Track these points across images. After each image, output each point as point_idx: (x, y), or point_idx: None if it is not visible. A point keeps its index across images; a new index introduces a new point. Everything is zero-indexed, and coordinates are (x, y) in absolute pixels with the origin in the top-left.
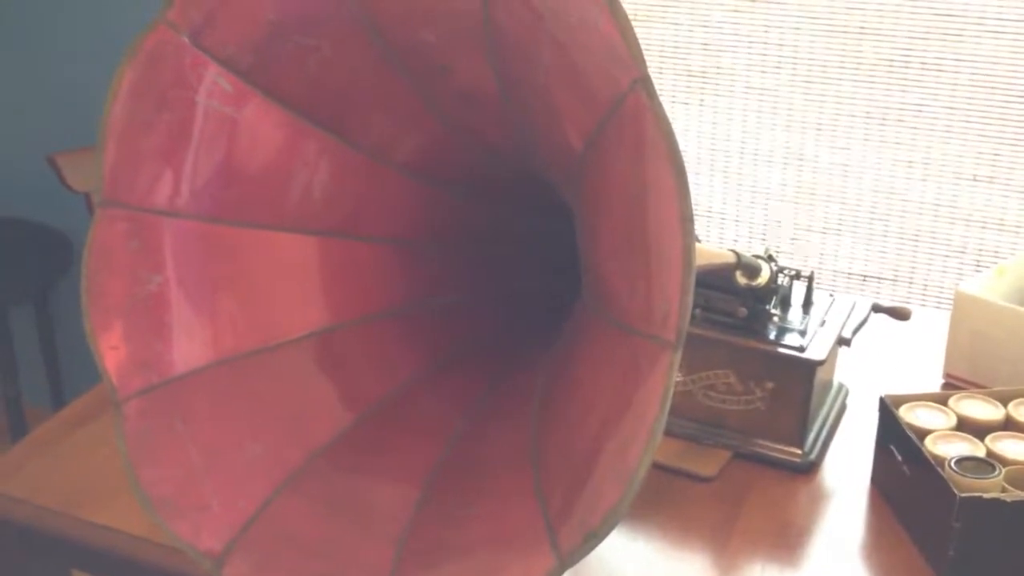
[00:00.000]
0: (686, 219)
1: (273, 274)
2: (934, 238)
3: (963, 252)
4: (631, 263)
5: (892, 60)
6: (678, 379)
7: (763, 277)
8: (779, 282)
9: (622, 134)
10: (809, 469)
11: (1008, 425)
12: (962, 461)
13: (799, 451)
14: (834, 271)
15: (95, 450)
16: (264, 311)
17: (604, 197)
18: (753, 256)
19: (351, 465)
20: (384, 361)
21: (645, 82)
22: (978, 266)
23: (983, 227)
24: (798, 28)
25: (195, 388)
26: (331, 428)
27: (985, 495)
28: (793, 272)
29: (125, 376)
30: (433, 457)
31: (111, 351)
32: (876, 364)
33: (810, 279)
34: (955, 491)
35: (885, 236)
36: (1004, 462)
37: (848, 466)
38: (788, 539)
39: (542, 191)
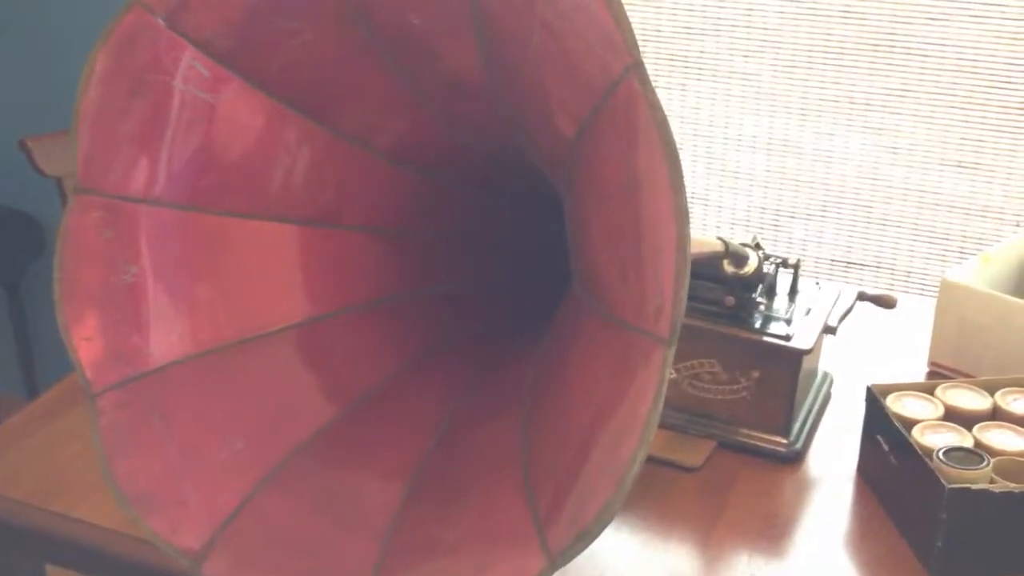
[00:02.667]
0: (680, 211)
1: (253, 264)
2: (917, 225)
3: (947, 239)
4: (622, 255)
5: (876, 45)
6: None
7: (751, 266)
8: (765, 270)
9: (614, 122)
10: (794, 459)
11: (995, 415)
12: (950, 452)
13: (784, 441)
14: (817, 258)
15: (70, 441)
16: (244, 302)
17: (595, 186)
18: (740, 244)
19: (335, 459)
20: (368, 353)
21: (638, 68)
22: (961, 253)
23: (967, 214)
24: (781, 12)
25: (173, 381)
26: (314, 422)
27: (973, 486)
28: (779, 260)
29: (100, 369)
30: (419, 451)
31: (85, 343)
32: (860, 352)
33: (796, 267)
34: (943, 482)
35: (868, 223)
36: (992, 452)
37: (833, 456)
38: (774, 529)
39: (531, 178)
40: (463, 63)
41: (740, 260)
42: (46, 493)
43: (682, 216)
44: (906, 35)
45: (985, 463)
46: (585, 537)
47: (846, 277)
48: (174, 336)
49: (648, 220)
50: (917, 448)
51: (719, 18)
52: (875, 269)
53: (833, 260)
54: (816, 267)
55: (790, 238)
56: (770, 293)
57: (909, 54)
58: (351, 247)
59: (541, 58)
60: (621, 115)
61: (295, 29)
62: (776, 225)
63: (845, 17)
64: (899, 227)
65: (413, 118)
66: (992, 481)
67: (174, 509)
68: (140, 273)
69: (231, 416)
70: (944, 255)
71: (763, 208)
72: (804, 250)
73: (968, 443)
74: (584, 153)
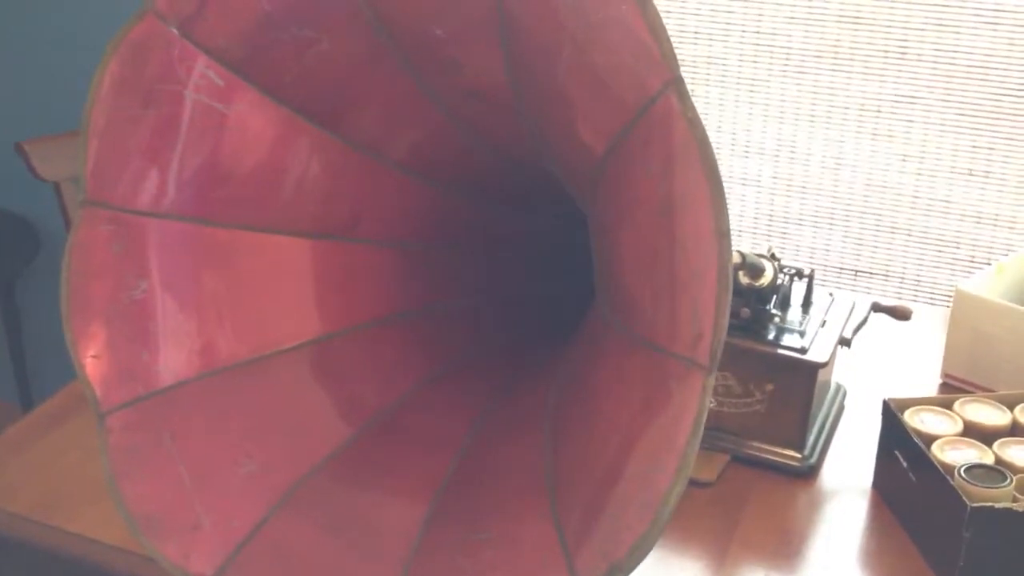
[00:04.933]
0: (722, 233)
1: (266, 279)
2: (927, 233)
3: (956, 247)
4: (657, 277)
5: (887, 51)
6: None
7: (766, 277)
8: (779, 281)
9: (650, 140)
10: (809, 473)
11: (1014, 430)
12: (971, 469)
13: (799, 455)
14: (825, 266)
15: (68, 453)
16: (257, 319)
17: (627, 205)
18: (756, 255)
19: (352, 481)
20: (384, 370)
21: (677, 84)
22: (972, 262)
23: (977, 222)
24: (791, 17)
25: (184, 400)
26: (330, 442)
27: (996, 505)
28: (794, 271)
29: (108, 387)
30: (440, 473)
31: (93, 360)
32: (872, 362)
33: (810, 278)
34: (966, 501)
35: (877, 231)
36: (1013, 470)
37: (848, 470)
38: (790, 547)
39: (554, 192)
40: (486, 75)
41: (756, 271)
42: (44, 506)
43: (724, 238)
44: (917, 42)
45: (1008, 481)
46: (617, 571)
47: (854, 285)
48: (185, 353)
49: (686, 241)
50: (937, 465)
51: (727, 23)
52: (884, 277)
53: (841, 268)
54: (824, 275)
55: (798, 246)
56: (784, 304)
57: (920, 61)
58: (365, 261)
59: (571, 72)
60: (657, 132)
61: (312, 38)
62: (784, 232)
63: (855, 23)
64: (908, 235)
65: (430, 129)
66: (1014, 500)
67: (185, 533)
68: (150, 288)
69: (244, 436)
70: (954, 264)
71: (771, 215)
72: (812, 258)
73: (989, 460)
74: (614, 170)
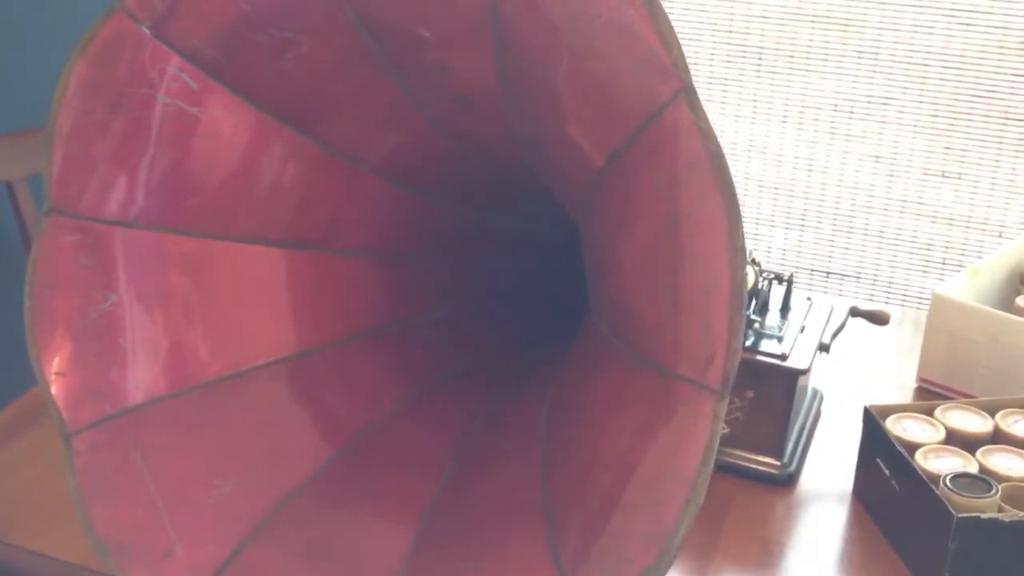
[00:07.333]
0: (736, 250)
1: (240, 291)
2: (899, 235)
3: (929, 249)
4: (661, 295)
5: (860, 52)
6: None
7: (747, 282)
8: (760, 286)
9: (656, 151)
10: (788, 481)
11: (996, 437)
12: (957, 478)
13: (778, 462)
14: (797, 267)
15: (27, 467)
16: (230, 333)
17: (629, 218)
18: None
19: (333, 505)
20: (365, 387)
21: (688, 93)
22: (944, 263)
23: (950, 224)
24: (764, 17)
25: (155, 420)
26: (309, 463)
27: (983, 515)
28: (773, 275)
29: (75, 406)
30: (426, 497)
31: (59, 378)
32: (845, 365)
33: (789, 282)
34: (952, 511)
35: (850, 232)
36: (998, 478)
37: (826, 477)
38: (772, 556)
39: (544, 198)
40: (475, 79)
41: None
42: (3, 523)
43: (738, 256)
44: (892, 43)
45: (994, 491)
46: None
47: (826, 287)
48: (156, 369)
49: (695, 259)
50: (922, 474)
51: (699, 23)
52: (856, 280)
53: (813, 270)
54: (797, 277)
55: (769, 247)
56: (763, 309)
57: (894, 62)
58: (344, 272)
59: (570, 79)
60: (665, 144)
61: (291, 39)
62: (756, 234)
63: (829, 24)
64: (881, 237)
65: (417, 137)
66: (1000, 509)
67: (158, 560)
68: (118, 301)
69: (219, 458)
70: (926, 265)
71: (742, 216)
72: (784, 259)
73: (973, 468)
74: (614, 182)
